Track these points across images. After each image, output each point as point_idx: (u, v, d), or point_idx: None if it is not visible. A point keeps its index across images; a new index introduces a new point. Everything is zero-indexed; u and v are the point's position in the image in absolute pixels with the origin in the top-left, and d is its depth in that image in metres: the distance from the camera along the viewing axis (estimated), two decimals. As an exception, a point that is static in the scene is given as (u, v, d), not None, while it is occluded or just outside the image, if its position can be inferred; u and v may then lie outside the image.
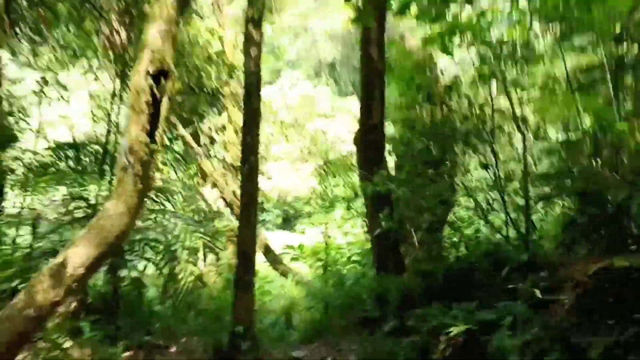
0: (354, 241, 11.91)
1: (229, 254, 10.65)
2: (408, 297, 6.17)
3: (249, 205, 6.15)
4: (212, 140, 12.90)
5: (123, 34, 6.34)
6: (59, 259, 3.08)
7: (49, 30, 7.67)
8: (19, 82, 9.61)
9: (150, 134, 3.27)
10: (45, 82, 9.58)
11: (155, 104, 3.27)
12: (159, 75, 3.28)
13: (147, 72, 3.24)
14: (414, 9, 5.88)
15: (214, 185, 12.19)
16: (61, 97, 9.71)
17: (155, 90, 3.25)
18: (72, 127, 8.67)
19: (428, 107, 8.07)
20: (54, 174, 7.73)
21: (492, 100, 6.92)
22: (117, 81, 7.72)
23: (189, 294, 7.04)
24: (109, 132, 7.43)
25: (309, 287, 10.07)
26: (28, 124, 9.77)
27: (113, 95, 7.75)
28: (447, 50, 6.75)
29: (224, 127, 12.91)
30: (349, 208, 9.87)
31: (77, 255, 3.09)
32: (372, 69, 6.95)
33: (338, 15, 29.35)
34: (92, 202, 7.33)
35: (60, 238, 7.65)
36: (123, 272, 7.45)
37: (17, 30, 6.90)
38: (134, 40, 6.68)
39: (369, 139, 7.03)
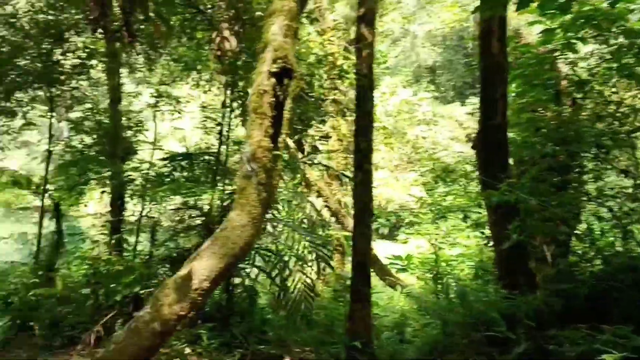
0: (465, 253, 11.22)
1: (335, 264, 10.44)
2: (542, 317, 5.50)
3: (363, 214, 5.84)
4: (316, 149, 12.81)
5: (233, 42, 6.29)
6: (183, 271, 2.93)
7: (164, 45, 7.91)
8: (136, 97, 10.07)
9: (273, 139, 3.06)
10: (160, 96, 10.00)
11: (277, 106, 3.06)
12: (282, 74, 3.07)
13: (270, 72, 3.03)
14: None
15: (319, 194, 12.06)
16: (174, 109, 10.04)
17: (277, 91, 3.03)
18: (185, 138, 8.87)
19: (553, 106, 7.34)
20: (169, 184, 7.96)
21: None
22: (227, 91, 7.79)
23: (301, 304, 6.84)
24: (220, 142, 7.48)
25: (420, 300, 9.54)
26: (145, 136, 10.23)
27: (223, 105, 7.82)
28: (571, 46, 6.07)
29: (327, 136, 12.78)
30: (465, 218, 9.22)
31: (202, 267, 2.93)
32: (493, 65, 6.38)
33: (439, 17, 28.53)
34: (206, 210, 7.43)
35: (177, 245, 7.84)
36: (236, 280, 7.47)
37: (135, 45, 7.15)
38: (244, 48, 6.66)
39: (490, 142, 6.44)
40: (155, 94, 9.89)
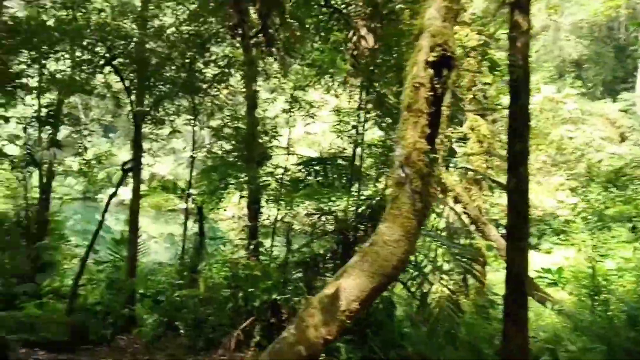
0: (625, 266, 9.81)
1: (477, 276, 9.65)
2: None
3: (518, 224, 5.14)
4: (453, 151, 12.07)
5: (370, 40, 5.94)
6: (329, 289, 2.62)
7: (299, 48, 7.85)
8: (271, 103, 10.20)
9: (430, 140, 2.64)
10: (294, 101, 10.03)
11: (435, 101, 2.63)
12: (441, 64, 2.64)
13: (428, 62, 2.62)
14: None
15: (456, 200, 11.31)
16: (307, 114, 9.99)
17: (435, 84, 2.61)
18: (319, 143, 8.74)
19: None
20: (303, 189, 7.87)
21: None
22: (362, 93, 7.50)
23: (443, 319, 6.30)
24: (355, 145, 7.20)
25: (576, 319, 8.43)
26: (279, 141, 10.33)
27: (359, 107, 7.54)
28: None
29: (465, 137, 11.99)
30: (633, 229, 7.99)
31: (351, 287, 2.59)
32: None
33: (586, 7, 25.96)
34: (340, 216, 7.20)
35: (312, 251, 7.71)
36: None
37: (272, 51, 7.13)
38: (382, 45, 6.31)
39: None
40: (290, 100, 9.93)
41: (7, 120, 6.64)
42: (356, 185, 7.45)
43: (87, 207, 26.65)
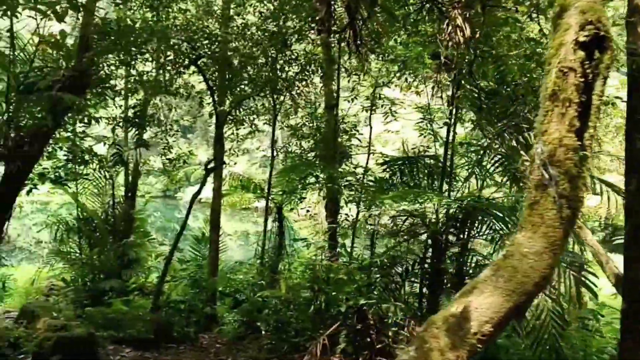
0: None
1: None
2: None
3: (638, 232, 4.55)
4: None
5: (467, 31, 5.48)
6: (456, 308, 2.28)
7: (386, 42, 7.50)
8: (351, 101, 9.93)
9: (578, 135, 2.24)
10: (375, 99, 9.71)
11: (585, 89, 2.23)
12: (591, 45, 2.23)
13: (578, 42, 2.21)
14: None
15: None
16: (389, 112, 9.65)
17: (587, 69, 2.20)
18: (403, 141, 8.35)
19: None
20: (389, 189, 7.52)
21: None
22: (454, 88, 7.04)
23: (546, 332, 5.75)
24: (447, 144, 6.76)
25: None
26: (359, 140, 10.05)
27: (450, 103, 7.09)
28: None
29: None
30: None
31: (483, 306, 2.24)
32: None
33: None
34: (431, 219, 6.79)
35: (395, 254, 7.34)
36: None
37: (359, 46, 6.81)
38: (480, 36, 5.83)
39: None
40: (370, 97, 9.63)
41: (97, 120, 6.75)
42: (446, 186, 7.01)
43: (167, 205, 27.63)
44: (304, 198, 9.94)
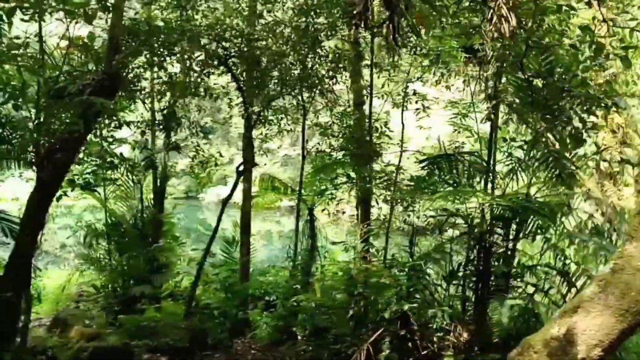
0: None
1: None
2: None
3: None
4: (580, 141, 10.86)
5: (513, 21, 5.17)
6: (558, 329, 2.02)
7: (425, 35, 7.20)
8: (382, 97, 9.65)
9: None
10: (407, 95, 9.40)
11: None
12: None
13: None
14: None
15: (588, 196, 10.15)
16: (422, 108, 9.35)
17: None
18: (439, 138, 8.07)
19: None
20: (424, 187, 7.26)
21: None
22: (496, 82, 6.75)
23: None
24: (491, 140, 6.47)
25: None
26: (390, 138, 9.75)
27: (490, 98, 6.79)
28: None
29: (595, 127, 10.73)
30: None
31: (591, 327, 1.98)
32: None
33: None
34: (475, 219, 6.51)
35: (437, 256, 7.06)
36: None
37: (397, 41, 6.53)
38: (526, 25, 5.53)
39: None
40: (402, 93, 9.34)
41: (128, 124, 6.59)
42: (489, 184, 6.71)
43: (190, 206, 27.60)
44: (334, 198, 9.70)
